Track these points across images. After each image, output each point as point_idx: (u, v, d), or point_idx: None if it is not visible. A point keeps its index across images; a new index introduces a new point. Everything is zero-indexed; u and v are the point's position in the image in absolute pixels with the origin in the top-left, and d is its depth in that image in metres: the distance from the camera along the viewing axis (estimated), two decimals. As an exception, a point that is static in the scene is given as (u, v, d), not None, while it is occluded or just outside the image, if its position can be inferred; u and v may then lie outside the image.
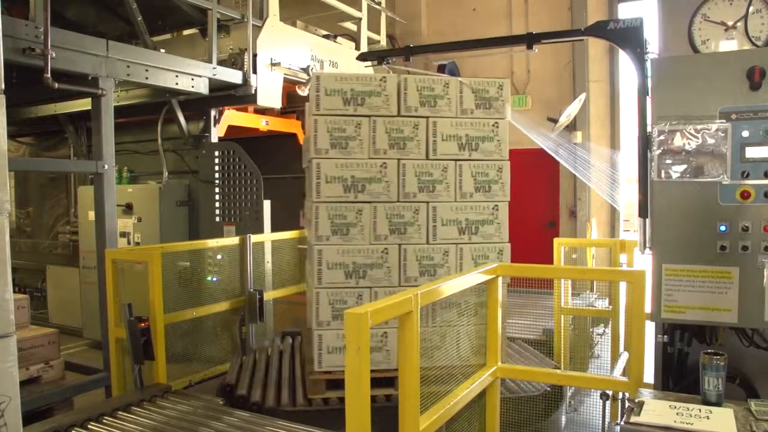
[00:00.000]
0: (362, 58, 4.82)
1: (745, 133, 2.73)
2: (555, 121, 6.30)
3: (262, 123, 6.44)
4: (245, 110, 6.43)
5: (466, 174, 3.61)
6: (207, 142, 6.25)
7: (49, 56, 3.95)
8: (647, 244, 2.99)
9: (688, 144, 2.82)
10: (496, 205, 3.64)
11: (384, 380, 3.47)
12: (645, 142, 2.99)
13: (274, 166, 6.96)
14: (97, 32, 5.02)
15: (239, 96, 5.75)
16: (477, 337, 3.07)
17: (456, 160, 3.62)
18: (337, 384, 3.47)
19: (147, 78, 4.87)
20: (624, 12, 8.25)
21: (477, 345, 3.07)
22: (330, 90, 3.56)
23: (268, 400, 3.58)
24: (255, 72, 5.68)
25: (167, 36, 6.38)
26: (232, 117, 6.31)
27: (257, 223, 5.61)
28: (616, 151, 8.16)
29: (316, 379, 3.54)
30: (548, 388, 3.74)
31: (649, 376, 2.90)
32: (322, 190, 3.53)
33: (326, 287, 3.54)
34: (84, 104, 5.43)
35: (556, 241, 4.87)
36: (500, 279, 3.02)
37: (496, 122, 3.66)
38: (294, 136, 6.90)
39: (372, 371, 3.36)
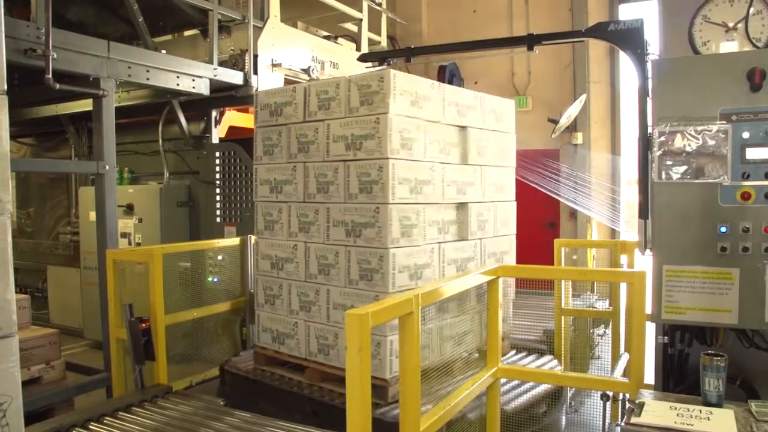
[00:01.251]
0: (363, 59, 4.83)
1: (746, 135, 2.73)
2: (555, 122, 6.31)
3: (262, 124, 6.44)
4: (246, 111, 6.43)
5: (353, 174, 3.47)
6: (208, 142, 6.25)
7: (51, 57, 3.95)
8: (648, 245, 2.99)
9: (689, 145, 2.82)
10: (377, 207, 3.35)
11: (297, 366, 3.81)
12: (645, 143, 3.00)
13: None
14: (98, 33, 5.03)
15: (240, 97, 5.75)
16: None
17: (344, 160, 3.51)
18: (270, 360, 3.95)
19: (148, 79, 4.87)
20: (624, 13, 8.25)
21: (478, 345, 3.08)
22: (262, 105, 4.01)
23: (232, 367, 4.09)
24: (256, 73, 5.68)
25: (168, 37, 6.38)
26: (233, 118, 6.31)
27: (258, 224, 5.61)
28: (617, 157, 8.17)
29: (257, 352, 4.04)
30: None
31: (649, 377, 2.90)
32: (258, 191, 4.04)
33: (261, 275, 4.03)
34: (85, 105, 5.43)
35: (556, 242, 4.87)
36: (501, 280, 3.03)
37: (377, 118, 3.35)
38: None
39: (289, 356, 3.75)
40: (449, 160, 3.76)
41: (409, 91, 3.44)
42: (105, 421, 3.24)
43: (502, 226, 4.26)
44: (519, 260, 4.54)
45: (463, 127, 3.86)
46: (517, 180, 4.49)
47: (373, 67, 4.50)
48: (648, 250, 2.99)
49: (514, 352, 4.36)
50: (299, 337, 3.74)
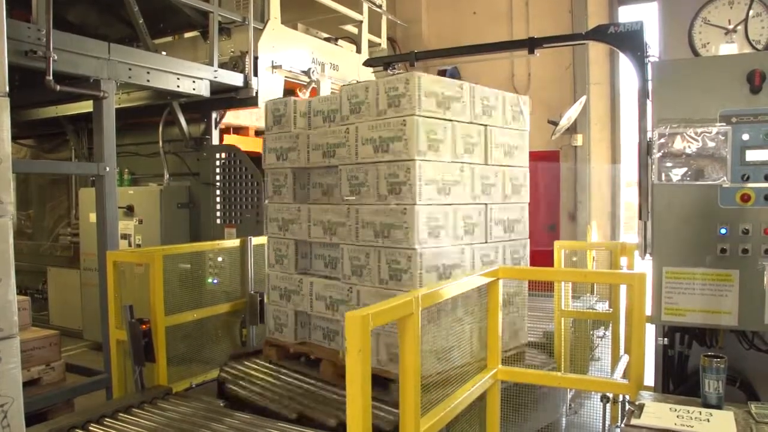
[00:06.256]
0: (368, 63, 4.88)
1: (746, 137, 2.74)
2: (555, 124, 6.30)
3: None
4: (246, 134, 6.51)
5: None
6: (208, 144, 6.26)
7: (51, 59, 3.96)
8: (647, 248, 2.99)
9: (689, 147, 2.82)
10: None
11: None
12: (645, 145, 3.00)
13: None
14: (98, 35, 5.04)
15: (240, 98, 5.77)
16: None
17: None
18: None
19: (148, 80, 4.88)
20: (624, 15, 8.27)
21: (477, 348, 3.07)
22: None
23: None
24: (256, 75, 5.69)
25: (168, 39, 6.40)
26: (233, 141, 6.41)
27: (258, 226, 5.61)
28: (617, 165, 8.19)
29: None
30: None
31: (649, 378, 2.90)
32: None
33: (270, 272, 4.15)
34: (85, 106, 5.43)
35: (556, 243, 4.87)
36: (501, 281, 3.03)
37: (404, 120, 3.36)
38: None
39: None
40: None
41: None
42: (105, 423, 3.24)
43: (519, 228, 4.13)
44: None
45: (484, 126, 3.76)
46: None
47: (375, 72, 4.55)
48: (648, 255, 2.99)
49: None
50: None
